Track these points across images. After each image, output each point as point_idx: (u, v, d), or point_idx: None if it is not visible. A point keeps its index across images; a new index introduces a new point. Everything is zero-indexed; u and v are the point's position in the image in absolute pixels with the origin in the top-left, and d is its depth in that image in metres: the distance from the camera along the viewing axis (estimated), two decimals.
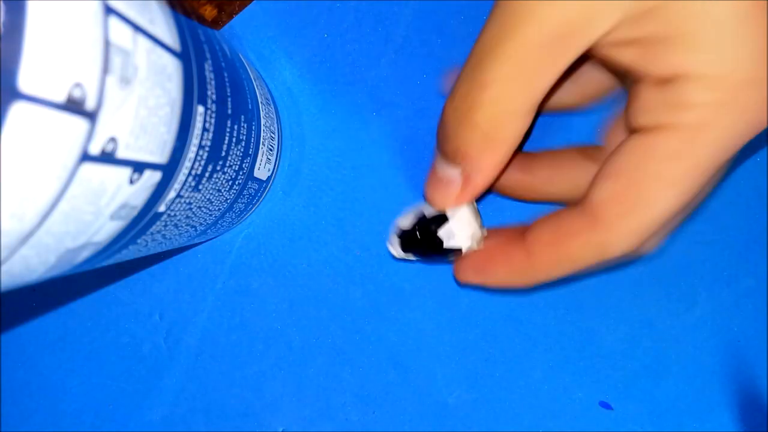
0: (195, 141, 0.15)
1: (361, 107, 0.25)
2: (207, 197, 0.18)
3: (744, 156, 0.24)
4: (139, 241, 0.16)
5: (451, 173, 0.19)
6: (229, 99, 0.17)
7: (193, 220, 0.19)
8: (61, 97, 0.10)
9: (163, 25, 0.13)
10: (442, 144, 0.19)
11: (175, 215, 0.17)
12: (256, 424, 0.25)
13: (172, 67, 0.14)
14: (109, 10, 0.11)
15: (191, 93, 0.15)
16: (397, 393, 0.24)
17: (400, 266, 0.25)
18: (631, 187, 0.17)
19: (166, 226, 0.17)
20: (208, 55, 0.16)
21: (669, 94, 0.16)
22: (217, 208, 0.20)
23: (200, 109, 0.15)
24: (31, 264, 0.12)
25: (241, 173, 0.20)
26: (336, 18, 0.25)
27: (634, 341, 0.24)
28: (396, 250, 0.22)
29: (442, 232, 0.20)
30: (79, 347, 0.26)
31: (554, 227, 0.18)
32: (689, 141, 0.16)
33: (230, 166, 0.18)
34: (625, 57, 0.16)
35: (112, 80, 0.11)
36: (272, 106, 0.23)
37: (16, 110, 0.09)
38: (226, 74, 0.18)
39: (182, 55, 0.14)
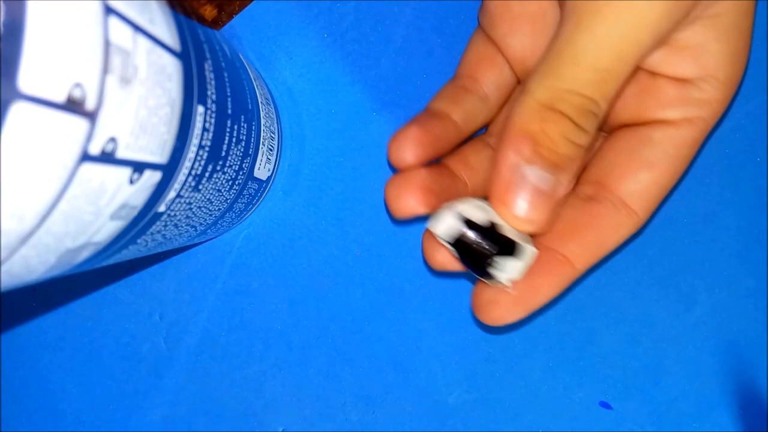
0: (195, 141, 0.15)
1: (361, 107, 0.25)
2: (207, 197, 0.18)
3: (744, 156, 0.24)
4: (139, 241, 0.16)
5: (550, 181, 0.17)
6: (229, 99, 0.17)
7: (193, 220, 0.19)
8: (61, 97, 0.10)
9: (163, 25, 0.13)
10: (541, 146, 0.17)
11: (175, 215, 0.17)
12: (256, 424, 0.25)
13: (172, 67, 0.14)
14: (109, 10, 0.11)
15: (191, 93, 0.15)
16: (397, 393, 0.24)
17: (400, 266, 0.25)
18: (665, 174, 0.19)
19: (166, 226, 0.17)
20: (208, 55, 0.16)
21: (692, 92, 0.18)
22: (217, 208, 0.20)
23: (200, 109, 0.15)
24: (31, 264, 0.12)
25: (241, 173, 0.20)
26: (336, 18, 0.25)
27: (634, 341, 0.24)
28: (447, 228, 0.18)
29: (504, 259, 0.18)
30: (79, 347, 0.26)
31: (595, 233, 0.19)
32: (702, 131, 0.18)
33: (230, 166, 0.18)
34: (652, 57, 0.18)
35: (112, 80, 0.11)
36: (272, 106, 0.23)
37: (17, 110, 0.09)
38: (226, 74, 0.18)
39: (182, 55, 0.14)
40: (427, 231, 0.19)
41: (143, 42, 0.12)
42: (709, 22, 0.17)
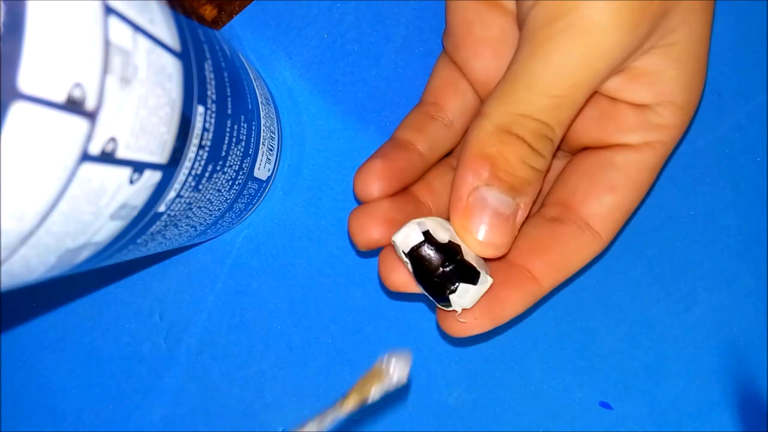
0: (195, 141, 0.15)
1: (361, 107, 0.25)
2: (207, 197, 0.18)
3: (744, 156, 0.24)
4: (139, 241, 0.16)
5: (510, 204, 0.17)
6: (229, 99, 0.17)
7: (193, 220, 0.19)
8: (61, 97, 0.10)
9: (163, 25, 0.13)
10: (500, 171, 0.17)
11: (175, 215, 0.17)
12: (256, 424, 0.25)
13: (172, 67, 0.14)
14: (109, 10, 0.11)
15: (191, 93, 0.15)
16: (397, 393, 0.24)
17: None
18: (628, 197, 0.19)
19: (166, 226, 0.17)
20: (208, 55, 0.16)
21: (650, 117, 0.19)
22: (217, 208, 0.20)
23: (200, 109, 0.15)
24: (31, 264, 0.12)
25: (241, 173, 0.20)
26: (336, 18, 0.25)
27: (634, 341, 0.24)
28: (404, 236, 0.18)
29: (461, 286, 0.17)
30: (79, 347, 0.26)
31: (560, 252, 0.19)
32: (662, 155, 0.19)
33: (230, 166, 0.18)
34: (610, 84, 0.18)
35: (112, 80, 0.11)
36: (272, 106, 0.23)
37: (17, 110, 0.09)
38: (226, 74, 0.18)
39: (182, 55, 0.14)
40: (384, 251, 0.19)
41: (143, 42, 0.12)
42: (664, 50, 0.17)
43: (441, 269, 0.17)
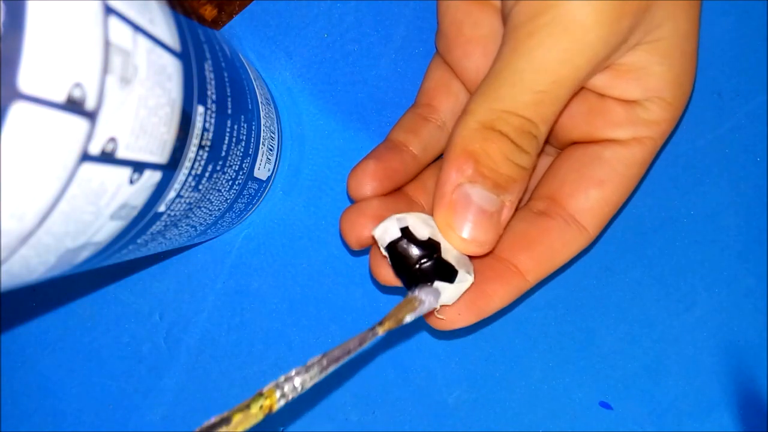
0: (195, 141, 0.15)
1: (361, 107, 0.25)
2: (207, 197, 0.18)
3: (744, 156, 0.24)
4: (139, 241, 0.16)
5: (494, 201, 0.17)
6: (229, 99, 0.17)
7: (193, 220, 0.19)
8: (61, 97, 0.10)
9: (163, 25, 0.13)
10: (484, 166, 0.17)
11: (175, 215, 0.17)
12: (256, 424, 0.25)
13: (172, 67, 0.14)
14: (109, 10, 0.11)
15: (191, 93, 0.15)
16: (397, 393, 0.24)
17: None
18: (615, 192, 0.19)
19: (166, 226, 0.17)
20: (208, 55, 0.16)
21: (639, 113, 0.18)
22: (217, 208, 0.20)
23: (200, 109, 0.15)
24: (31, 264, 0.12)
25: (241, 173, 0.20)
26: (336, 18, 0.25)
27: (634, 341, 0.24)
28: (382, 230, 0.18)
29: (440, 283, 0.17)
30: (79, 347, 0.26)
31: (547, 247, 0.19)
32: (650, 150, 0.19)
33: (230, 166, 0.18)
34: (597, 81, 0.18)
35: (112, 80, 0.11)
36: (272, 106, 0.23)
37: (17, 110, 0.09)
38: (226, 74, 0.18)
39: (182, 55, 0.14)
40: (375, 246, 0.19)
41: (143, 42, 0.12)
42: (650, 46, 0.17)
43: (417, 266, 0.17)
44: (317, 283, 0.25)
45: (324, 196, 0.25)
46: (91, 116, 0.11)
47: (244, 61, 0.22)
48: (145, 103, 0.12)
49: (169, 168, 0.14)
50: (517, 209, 0.18)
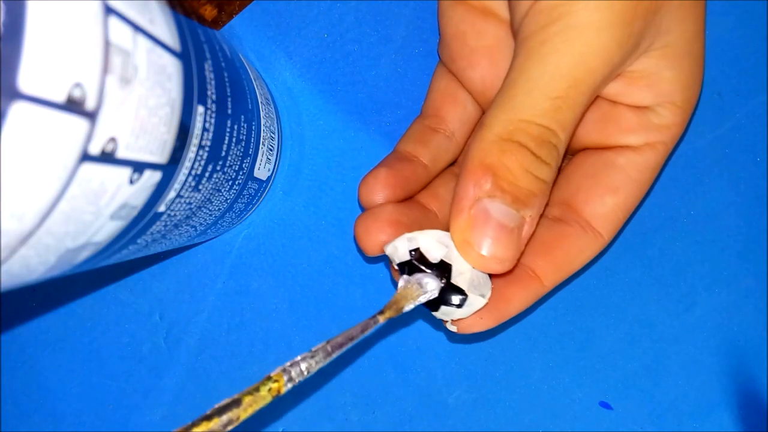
0: (195, 141, 0.15)
1: (361, 107, 0.25)
2: (207, 197, 0.18)
3: (744, 156, 0.24)
4: (139, 241, 0.16)
5: (514, 217, 0.16)
6: (229, 99, 0.17)
7: (193, 220, 0.19)
8: (61, 97, 0.10)
9: (163, 25, 0.13)
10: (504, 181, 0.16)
11: (175, 215, 0.17)
12: (256, 424, 0.25)
13: (172, 67, 0.14)
14: (109, 10, 0.11)
15: (191, 93, 0.15)
16: (397, 393, 0.24)
17: None
18: (629, 197, 0.19)
19: (166, 226, 0.17)
20: (208, 55, 0.16)
21: (651, 118, 0.19)
22: (217, 208, 0.20)
23: (200, 109, 0.15)
24: (31, 264, 0.12)
25: (241, 173, 0.20)
26: (336, 18, 0.25)
27: (634, 341, 0.24)
28: (392, 250, 0.18)
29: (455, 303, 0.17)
30: (79, 347, 0.26)
31: (564, 252, 0.19)
32: (663, 155, 0.19)
33: (230, 166, 0.18)
34: (609, 88, 0.18)
35: (112, 80, 0.11)
36: (272, 106, 0.23)
37: (16, 110, 0.09)
38: (226, 74, 0.18)
39: (182, 55, 0.14)
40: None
41: (143, 42, 0.12)
42: (660, 52, 0.18)
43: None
44: (317, 283, 0.25)
45: (324, 196, 0.25)
46: (91, 116, 0.11)
47: (244, 61, 0.22)
48: (145, 103, 0.12)
49: (169, 168, 0.14)
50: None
